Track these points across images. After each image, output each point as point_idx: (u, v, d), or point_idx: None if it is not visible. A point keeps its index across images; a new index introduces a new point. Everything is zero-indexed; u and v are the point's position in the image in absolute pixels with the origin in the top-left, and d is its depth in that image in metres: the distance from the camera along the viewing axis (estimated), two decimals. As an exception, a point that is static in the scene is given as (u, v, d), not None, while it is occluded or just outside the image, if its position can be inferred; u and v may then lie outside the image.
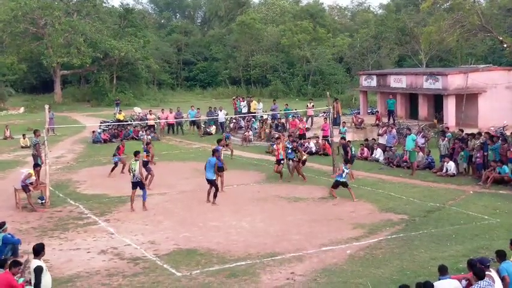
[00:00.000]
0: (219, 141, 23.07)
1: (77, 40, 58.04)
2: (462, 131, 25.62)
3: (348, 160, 23.00)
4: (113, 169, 24.99)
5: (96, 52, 59.52)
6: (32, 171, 19.80)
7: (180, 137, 37.30)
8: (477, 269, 10.39)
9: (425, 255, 13.85)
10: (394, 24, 64.74)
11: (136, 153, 19.38)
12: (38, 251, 10.74)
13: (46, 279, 10.61)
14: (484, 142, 22.72)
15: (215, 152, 20.14)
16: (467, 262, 10.88)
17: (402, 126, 32.68)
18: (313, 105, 36.46)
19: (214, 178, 19.55)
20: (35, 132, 23.34)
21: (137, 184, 18.91)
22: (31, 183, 19.65)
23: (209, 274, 13.01)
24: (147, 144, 25.10)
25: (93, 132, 36.53)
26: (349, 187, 19.87)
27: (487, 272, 10.43)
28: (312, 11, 76.33)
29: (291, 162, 23.61)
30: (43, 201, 19.74)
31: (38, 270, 10.41)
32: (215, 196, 19.42)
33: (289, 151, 23.40)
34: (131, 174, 18.86)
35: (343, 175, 19.97)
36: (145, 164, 22.34)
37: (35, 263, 10.57)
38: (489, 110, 33.29)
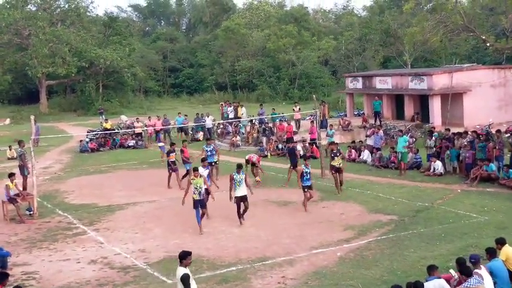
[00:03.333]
0: (203, 160, 20.40)
1: (62, 50, 57.79)
2: (449, 130, 25.80)
3: (294, 165, 22.92)
4: (183, 176, 23.20)
5: (81, 61, 59.31)
6: (9, 182, 19.44)
7: (167, 144, 37.17)
8: (464, 267, 10.45)
9: (415, 255, 13.91)
10: (378, 26, 65.02)
11: (196, 169, 17.66)
12: (182, 257, 10.04)
13: (192, 286, 9.97)
14: (472, 141, 22.91)
15: (240, 167, 17.91)
16: (456, 261, 10.94)
17: (389, 127, 32.83)
18: (299, 109, 36.51)
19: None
20: (20, 142, 23.23)
21: (202, 202, 17.07)
22: (17, 195, 19.51)
23: (200, 281, 12.95)
24: (172, 144, 25.04)
25: (81, 141, 36.39)
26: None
27: (475, 270, 10.49)
28: (297, 15, 76.48)
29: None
30: (31, 213, 19.61)
31: (186, 278, 9.75)
32: (240, 214, 17.70)
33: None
34: (196, 192, 16.86)
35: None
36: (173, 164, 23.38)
37: (181, 270, 9.93)
38: (474, 109, 33.49)
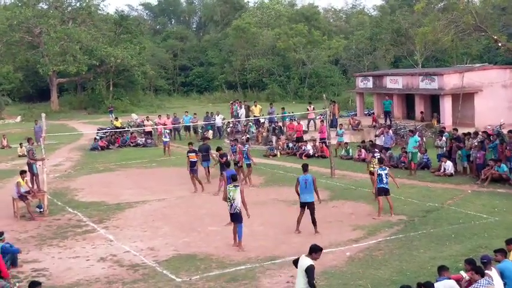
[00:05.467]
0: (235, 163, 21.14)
1: (73, 48, 58.05)
2: (456, 130, 25.70)
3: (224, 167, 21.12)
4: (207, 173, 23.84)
5: (92, 59, 59.52)
6: (20, 179, 19.57)
7: (177, 142, 37.27)
8: (477, 266, 10.39)
9: (425, 255, 13.86)
10: (389, 26, 64.85)
11: (234, 178, 15.85)
12: (314, 250, 10.04)
13: None
14: (483, 141, 22.78)
15: (306, 167, 16.67)
16: (465, 261, 10.89)
17: (399, 127, 32.71)
18: (313, 108, 36.36)
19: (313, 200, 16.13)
20: (29, 139, 23.38)
21: (236, 216, 15.16)
22: (27, 192, 19.60)
23: (209, 279, 13.00)
24: (190, 143, 23.66)
25: (95, 139, 36.55)
26: None
27: (486, 271, 10.42)
28: (307, 14, 76.38)
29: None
30: (41, 210, 19.72)
31: (312, 269, 9.72)
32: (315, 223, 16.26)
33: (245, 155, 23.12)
34: (229, 203, 15.14)
35: None
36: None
37: (308, 260, 9.83)
38: (485, 109, 33.34)
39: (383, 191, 17.60)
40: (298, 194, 16.03)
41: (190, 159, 22.51)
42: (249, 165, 23.31)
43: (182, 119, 39.88)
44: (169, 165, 29.07)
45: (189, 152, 22.79)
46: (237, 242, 15.21)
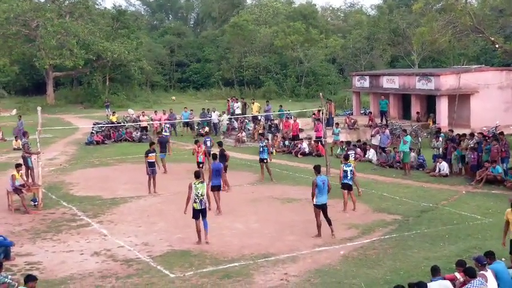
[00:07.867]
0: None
1: (70, 42, 57.84)
2: (452, 131, 25.76)
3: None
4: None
5: (88, 54, 59.28)
6: (15, 172, 19.56)
7: (173, 138, 37.21)
8: (468, 268, 10.42)
9: (419, 255, 13.89)
10: (386, 25, 64.91)
11: (197, 175, 15.38)
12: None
13: None
14: (479, 142, 22.85)
15: (319, 169, 16.15)
16: (456, 263, 10.91)
17: (395, 127, 32.74)
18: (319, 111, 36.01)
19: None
20: (24, 133, 23.31)
21: (205, 212, 15.34)
22: (22, 185, 19.57)
23: (202, 275, 13.01)
24: (151, 144, 23.71)
25: (91, 133, 36.52)
26: None
27: (481, 272, 10.45)
28: (305, 12, 76.37)
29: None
30: (36, 203, 19.68)
31: None
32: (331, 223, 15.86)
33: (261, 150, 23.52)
34: (197, 200, 15.05)
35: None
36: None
37: None
38: (481, 110, 33.38)
39: (346, 187, 18.33)
40: (314, 196, 15.63)
41: (149, 160, 21.78)
42: (262, 160, 23.58)
43: (181, 114, 39.86)
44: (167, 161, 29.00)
45: (149, 152, 21.97)
46: (206, 237, 15.22)
